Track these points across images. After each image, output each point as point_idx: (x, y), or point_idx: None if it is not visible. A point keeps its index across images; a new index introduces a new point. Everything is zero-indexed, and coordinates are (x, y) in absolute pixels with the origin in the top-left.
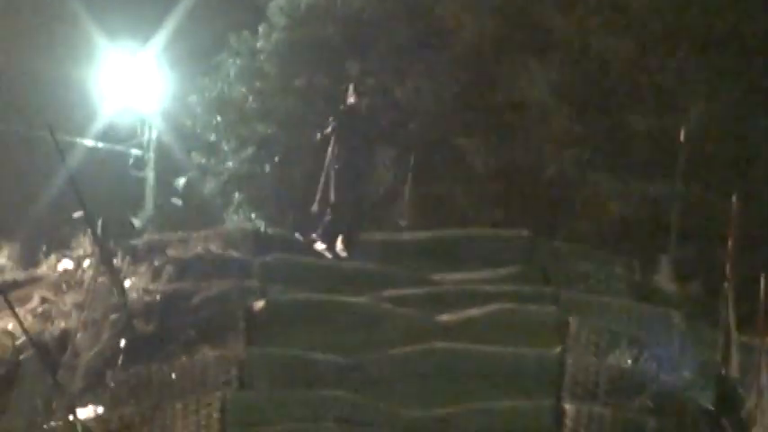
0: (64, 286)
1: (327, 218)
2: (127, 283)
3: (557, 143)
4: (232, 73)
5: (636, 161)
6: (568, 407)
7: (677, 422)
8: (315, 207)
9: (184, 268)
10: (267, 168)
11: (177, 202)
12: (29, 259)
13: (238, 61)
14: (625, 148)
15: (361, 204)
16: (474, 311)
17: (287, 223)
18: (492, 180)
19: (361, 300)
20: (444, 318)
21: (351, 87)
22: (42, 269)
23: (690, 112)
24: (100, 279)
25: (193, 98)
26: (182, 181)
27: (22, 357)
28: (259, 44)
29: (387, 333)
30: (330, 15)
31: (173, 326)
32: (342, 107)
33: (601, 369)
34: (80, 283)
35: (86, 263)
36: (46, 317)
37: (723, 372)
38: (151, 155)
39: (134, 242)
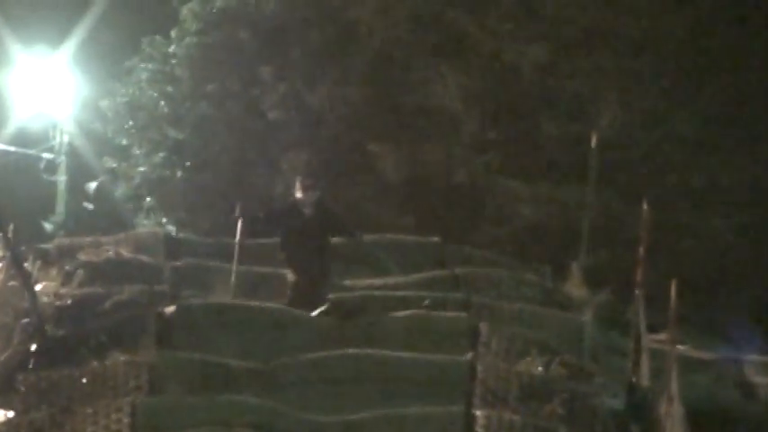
0: None
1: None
2: (38, 287)
3: (468, 148)
4: (144, 77)
5: (547, 167)
6: (479, 413)
7: (588, 429)
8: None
9: (96, 272)
10: (178, 173)
11: (89, 206)
12: None
13: (150, 65)
14: (536, 153)
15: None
16: (385, 317)
17: (198, 228)
18: (403, 185)
19: (273, 305)
20: (355, 323)
21: (298, 181)
22: None
23: (601, 118)
24: (11, 283)
25: (105, 102)
26: (93, 185)
27: None
28: (171, 48)
29: (298, 338)
30: (243, 20)
31: (83, 330)
32: (289, 200)
33: (511, 375)
34: None
35: None
36: None
37: (633, 378)
38: (63, 159)
39: (45, 246)
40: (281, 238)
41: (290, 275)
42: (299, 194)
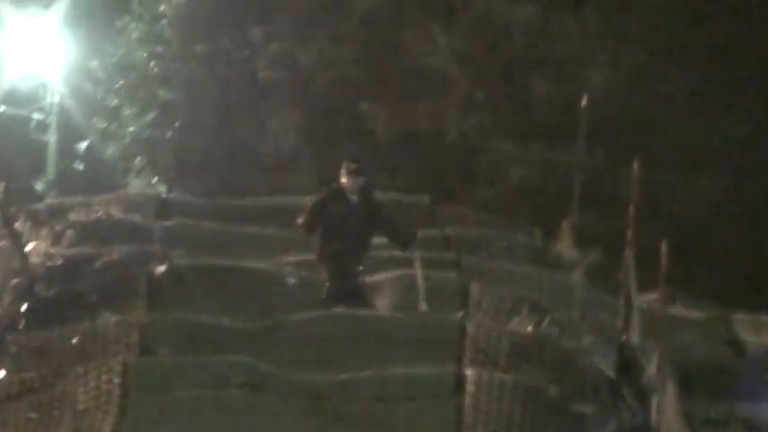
0: None
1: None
2: (28, 248)
3: (459, 109)
4: (134, 37)
5: (538, 127)
6: (470, 373)
7: (578, 388)
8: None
9: (86, 232)
10: (169, 133)
11: (79, 166)
12: None
13: (140, 26)
14: (527, 113)
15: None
16: (376, 277)
17: (188, 188)
18: (394, 145)
19: (263, 265)
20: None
21: (344, 166)
22: None
23: (592, 78)
24: (1, 243)
25: (95, 63)
26: (83, 145)
27: None
28: (161, 8)
29: (288, 298)
30: None
31: (74, 290)
32: (332, 186)
33: (502, 335)
34: None
35: None
36: None
37: (624, 338)
38: (53, 119)
39: (36, 206)
40: (324, 228)
41: (324, 275)
42: (343, 180)
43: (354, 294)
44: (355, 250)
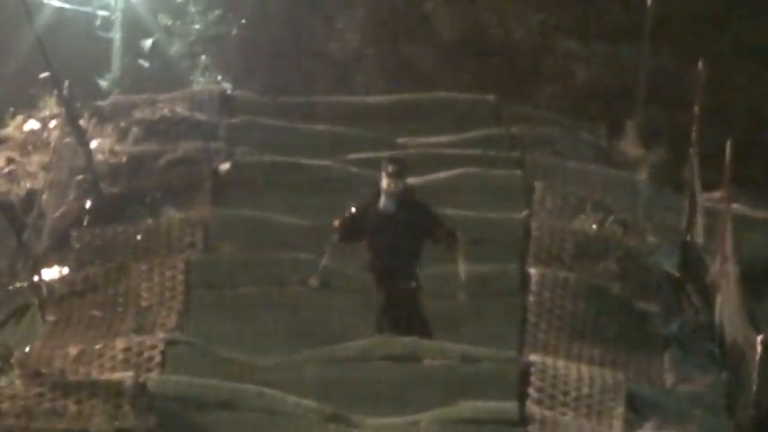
0: (30, 147)
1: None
2: (93, 144)
3: (524, 6)
4: None
5: (603, 25)
6: (533, 271)
7: (641, 287)
8: None
9: (151, 130)
10: (234, 31)
11: (144, 63)
12: None
13: None
14: (592, 11)
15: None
16: (440, 175)
17: (253, 85)
18: (458, 44)
19: (327, 162)
20: (410, 181)
21: (383, 167)
22: (8, 130)
23: None
24: (66, 140)
25: None
26: (149, 42)
27: None
28: None
29: (352, 196)
30: None
31: (138, 187)
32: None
33: (566, 233)
34: (46, 144)
35: (53, 123)
36: (12, 177)
37: (688, 237)
38: (118, 15)
39: (100, 103)
40: (366, 239)
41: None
42: (383, 183)
43: (410, 314)
44: (402, 264)
